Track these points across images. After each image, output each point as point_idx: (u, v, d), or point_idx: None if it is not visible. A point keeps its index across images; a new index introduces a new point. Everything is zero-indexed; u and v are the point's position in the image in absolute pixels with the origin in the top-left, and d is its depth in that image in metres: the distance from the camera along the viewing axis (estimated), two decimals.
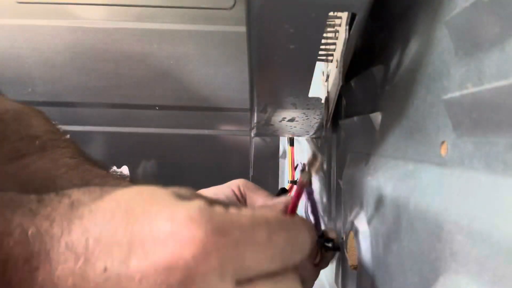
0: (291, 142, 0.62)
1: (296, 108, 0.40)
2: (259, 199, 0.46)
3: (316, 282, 0.44)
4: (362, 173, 0.35)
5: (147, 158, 0.89)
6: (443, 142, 0.22)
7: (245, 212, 0.22)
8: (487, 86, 0.18)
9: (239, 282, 0.21)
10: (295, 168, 0.64)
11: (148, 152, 0.89)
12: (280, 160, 0.92)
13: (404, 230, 0.25)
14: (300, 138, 0.68)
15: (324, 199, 0.56)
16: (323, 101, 0.40)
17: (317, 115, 0.43)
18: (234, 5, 0.83)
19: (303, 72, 0.34)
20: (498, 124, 0.17)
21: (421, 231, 0.23)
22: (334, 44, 0.35)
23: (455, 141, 0.21)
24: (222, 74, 0.85)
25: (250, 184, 0.48)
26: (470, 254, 0.18)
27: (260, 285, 0.22)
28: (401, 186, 0.27)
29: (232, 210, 0.22)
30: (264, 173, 0.90)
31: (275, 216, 0.23)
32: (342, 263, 0.43)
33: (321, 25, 0.28)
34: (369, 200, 0.33)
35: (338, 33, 0.34)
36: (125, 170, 0.86)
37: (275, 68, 0.33)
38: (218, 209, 0.22)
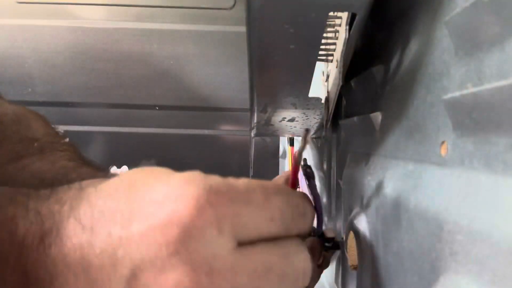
0: (291, 142, 0.62)
1: (296, 108, 0.40)
2: None
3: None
4: (362, 173, 0.35)
5: (147, 158, 0.89)
6: (443, 142, 0.22)
7: (241, 179, 0.23)
8: (487, 86, 0.18)
9: (240, 243, 0.21)
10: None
11: (148, 152, 0.89)
12: (280, 160, 0.92)
13: (404, 230, 0.25)
14: (300, 138, 0.68)
15: (324, 199, 0.56)
16: (323, 101, 0.40)
17: (317, 115, 0.43)
18: (234, 5, 0.83)
19: (303, 72, 0.34)
20: (498, 124, 0.17)
21: (421, 231, 0.23)
22: (334, 44, 0.35)
23: (455, 141, 0.21)
24: (222, 74, 0.85)
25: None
26: (470, 254, 0.18)
27: (262, 245, 0.22)
28: (401, 186, 0.27)
29: (229, 178, 0.23)
30: (264, 173, 0.90)
31: (272, 183, 0.24)
32: (342, 263, 0.43)
33: (321, 25, 0.28)
34: (369, 200, 0.33)
35: (338, 33, 0.34)
36: (125, 170, 0.86)
37: (275, 68, 0.33)
38: (214, 176, 0.22)
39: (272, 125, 0.46)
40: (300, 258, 0.23)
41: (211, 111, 0.87)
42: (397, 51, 0.30)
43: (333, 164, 0.50)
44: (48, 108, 0.83)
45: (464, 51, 0.20)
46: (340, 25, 0.32)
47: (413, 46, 0.27)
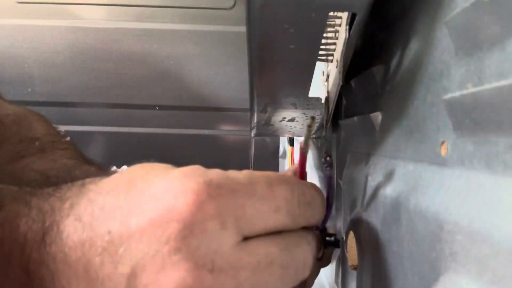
0: (291, 142, 0.62)
1: (296, 108, 0.40)
2: None
3: (316, 282, 0.44)
4: (362, 173, 0.35)
5: (147, 158, 0.88)
6: (443, 142, 0.22)
7: (244, 171, 0.22)
8: (487, 86, 0.18)
9: (246, 237, 0.21)
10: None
11: (148, 152, 0.89)
12: (280, 160, 0.91)
13: (404, 230, 0.25)
14: (300, 138, 0.68)
15: None
16: (323, 101, 0.40)
17: (317, 115, 0.43)
18: (234, 5, 0.83)
19: (303, 72, 0.34)
20: (498, 124, 0.17)
21: (421, 231, 0.23)
22: (334, 44, 0.35)
23: (455, 141, 0.21)
24: (222, 74, 0.85)
25: None
26: (470, 254, 0.18)
27: (267, 239, 0.21)
28: (401, 186, 0.27)
29: (230, 171, 0.22)
30: None
31: (276, 173, 0.23)
32: (342, 263, 0.43)
33: (321, 25, 0.28)
34: (369, 200, 0.33)
35: (338, 33, 0.34)
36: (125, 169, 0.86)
37: (275, 68, 0.33)
38: (215, 169, 0.22)
39: (272, 125, 0.46)
40: (301, 250, 0.23)
41: (211, 111, 0.87)
42: (397, 51, 0.30)
43: (333, 164, 0.50)
44: (48, 108, 0.83)
45: (464, 51, 0.20)
46: (340, 25, 0.32)
47: (413, 46, 0.27)
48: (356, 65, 0.36)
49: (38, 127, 0.39)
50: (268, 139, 0.91)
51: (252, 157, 0.90)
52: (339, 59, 0.33)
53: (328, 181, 0.29)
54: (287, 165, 0.80)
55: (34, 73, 0.84)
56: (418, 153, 0.26)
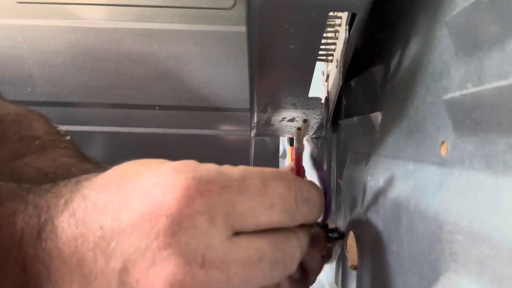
0: (291, 142, 0.62)
1: (296, 108, 0.40)
2: None
3: (316, 282, 0.44)
4: (362, 173, 0.35)
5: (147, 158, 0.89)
6: (443, 142, 0.22)
7: (238, 167, 0.22)
8: (487, 86, 0.18)
9: (238, 233, 0.21)
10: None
11: (148, 152, 0.88)
12: (280, 160, 0.91)
13: (404, 230, 0.25)
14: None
15: None
16: (323, 101, 0.40)
17: (317, 115, 0.43)
18: (234, 5, 0.83)
19: (303, 72, 0.34)
20: (498, 124, 0.17)
21: (421, 231, 0.23)
22: (334, 44, 0.35)
23: (455, 141, 0.21)
24: (222, 74, 0.85)
25: None
26: (470, 254, 0.18)
27: (259, 235, 0.21)
28: (401, 186, 0.27)
29: (224, 166, 0.22)
30: None
31: (273, 169, 0.23)
32: (342, 263, 0.43)
33: (321, 25, 0.28)
34: (369, 200, 0.33)
35: (338, 33, 0.34)
36: None
37: (275, 68, 0.33)
38: (209, 164, 0.22)
39: (272, 125, 0.46)
40: (290, 245, 0.23)
41: (211, 111, 0.87)
42: (397, 51, 0.30)
43: (333, 164, 0.50)
44: (48, 108, 0.83)
45: (464, 51, 0.20)
46: (340, 25, 0.32)
47: (413, 46, 0.27)
48: (356, 65, 0.36)
49: (38, 126, 0.39)
50: (268, 139, 0.91)
51: (252, 157, 0.90)
52: (339, 59, 0.33)
53: (323, 179, 0.29)
54: (287, 164, 0.80)
55: (34, 73, 0.84)
56: (418, 153, 0.26)
